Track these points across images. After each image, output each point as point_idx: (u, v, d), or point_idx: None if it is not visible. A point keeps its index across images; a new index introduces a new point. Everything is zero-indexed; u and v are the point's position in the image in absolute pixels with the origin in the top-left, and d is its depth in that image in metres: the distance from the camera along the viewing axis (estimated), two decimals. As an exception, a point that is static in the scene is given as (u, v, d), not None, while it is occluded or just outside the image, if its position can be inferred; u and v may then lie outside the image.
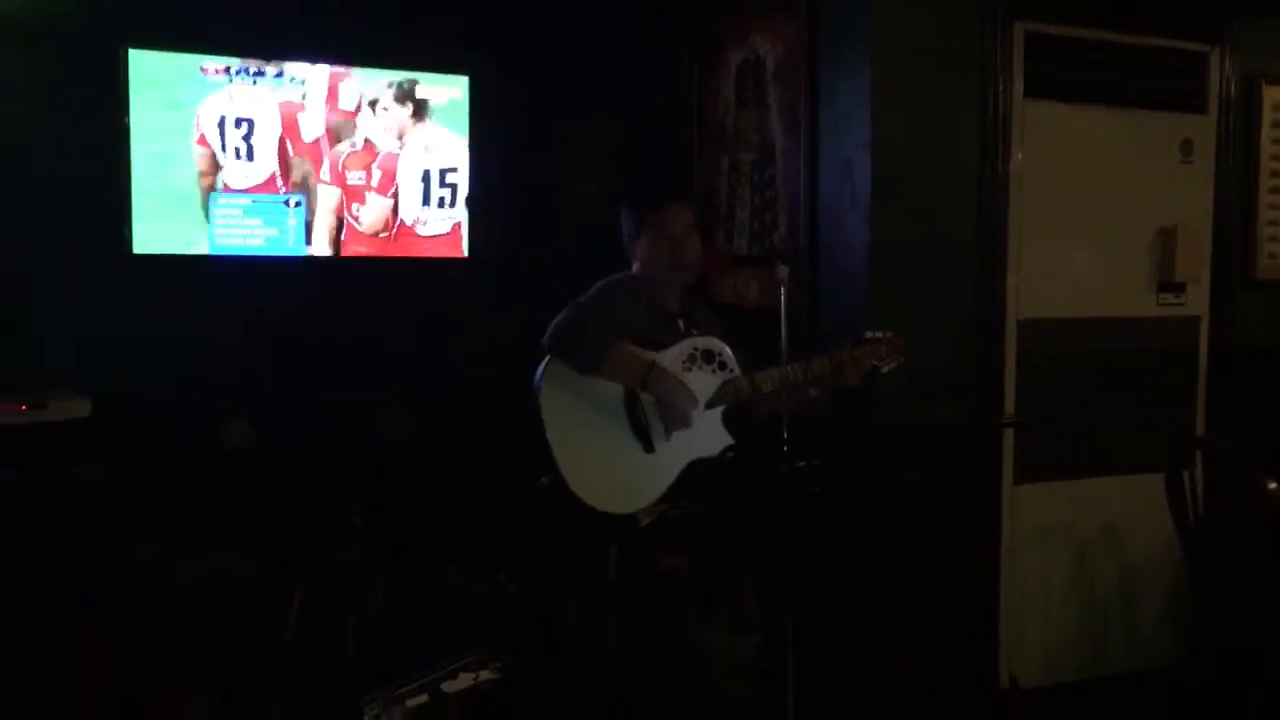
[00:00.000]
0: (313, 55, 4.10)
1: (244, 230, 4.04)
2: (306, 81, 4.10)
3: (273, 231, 4.08)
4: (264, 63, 4.02)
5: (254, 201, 4.05)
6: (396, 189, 4.30)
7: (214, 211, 4.00)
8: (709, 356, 3.09)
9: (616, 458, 2.95)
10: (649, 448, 2.98)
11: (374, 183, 4.26)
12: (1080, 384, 3.95)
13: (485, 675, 3.44)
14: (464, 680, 3.42)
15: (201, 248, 4.00)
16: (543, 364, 2.96)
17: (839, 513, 3.50)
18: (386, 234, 4.29)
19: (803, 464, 2.82)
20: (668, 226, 3.12)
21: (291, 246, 4.12)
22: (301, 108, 4.10)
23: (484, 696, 3.42)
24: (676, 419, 2.97)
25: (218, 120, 3.99)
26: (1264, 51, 4.26)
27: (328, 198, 4.19)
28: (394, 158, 4.28)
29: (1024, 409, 3.83)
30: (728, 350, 3.11)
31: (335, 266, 4.22)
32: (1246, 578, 3.62)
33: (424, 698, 3.37)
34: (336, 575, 3.37)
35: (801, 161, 3.82)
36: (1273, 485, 3.49)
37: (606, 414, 2.97)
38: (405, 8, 4.28)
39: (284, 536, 3.82)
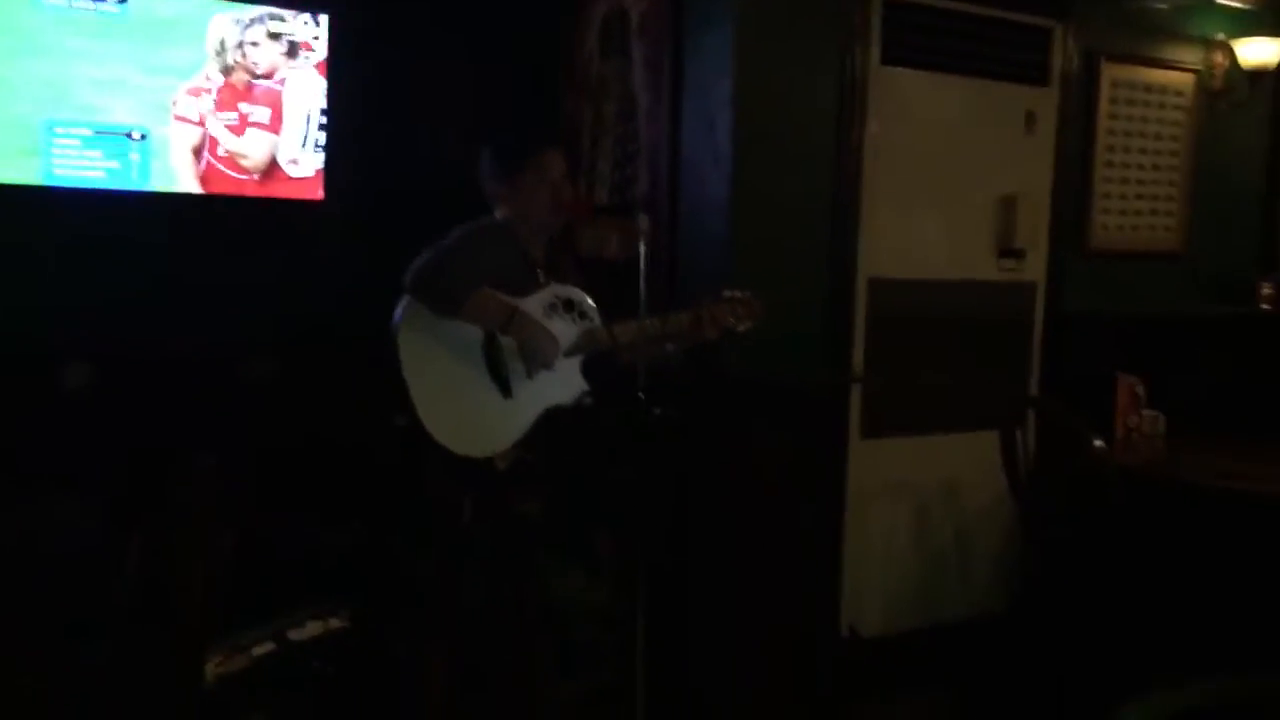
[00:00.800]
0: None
1: (83, 162, 3.85)
2: (154, 11, 3.92)
3: (114, 164, 3.90)
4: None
5: (95, 133, 3.86)
6: (283, 125, 4.18)
7: (52, 141, 3.80)
8: (569, 305, 3.10)
9: (474, 401, 2.94)
10: (507, 392, 2.98)
11: (261, 119, 4.12)
12: (925, 343, 4.09)
13: (335, 623, 3.42)
14: (312, 628, 3.40)
15: (37, 178, 3.80)
16: (401, 305, 2.92)
17: (693, 462, 3.56)
18: (259, 175, 4.16)
19: (657, 411, 2.86)
20: (548, 171, 3.12)
21: (135, 181, 3.94)
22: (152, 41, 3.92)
23: (333, 644, 3.40)
24: (538, 364, 2.97)
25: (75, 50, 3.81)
26: (1106, 29, 4.45)
27: (185, 134, 4.02)
28: (276, 94, 4.14)
29: (872, 366, 3.96)
30: (588, 300, 3.13)
31: (185, 204, 4.06)
32: (1072, 530, 3.83)
33: (270, 645, 3.33)
34: (180, 518, 3.27)
35: (664, 116, 3.84)
36: (1099, 443, 3.70)
37: (465, 357, 2.95)
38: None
39: (131, 479, 3.70)
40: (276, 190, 4.21)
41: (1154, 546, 3.88)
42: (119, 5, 3.86)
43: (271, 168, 4.20)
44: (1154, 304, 4.66)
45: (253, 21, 4.09)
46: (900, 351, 4.02)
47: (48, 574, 3.39)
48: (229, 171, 4.13)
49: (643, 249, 2.89)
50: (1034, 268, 4.35)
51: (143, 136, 3.95)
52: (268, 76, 4.15)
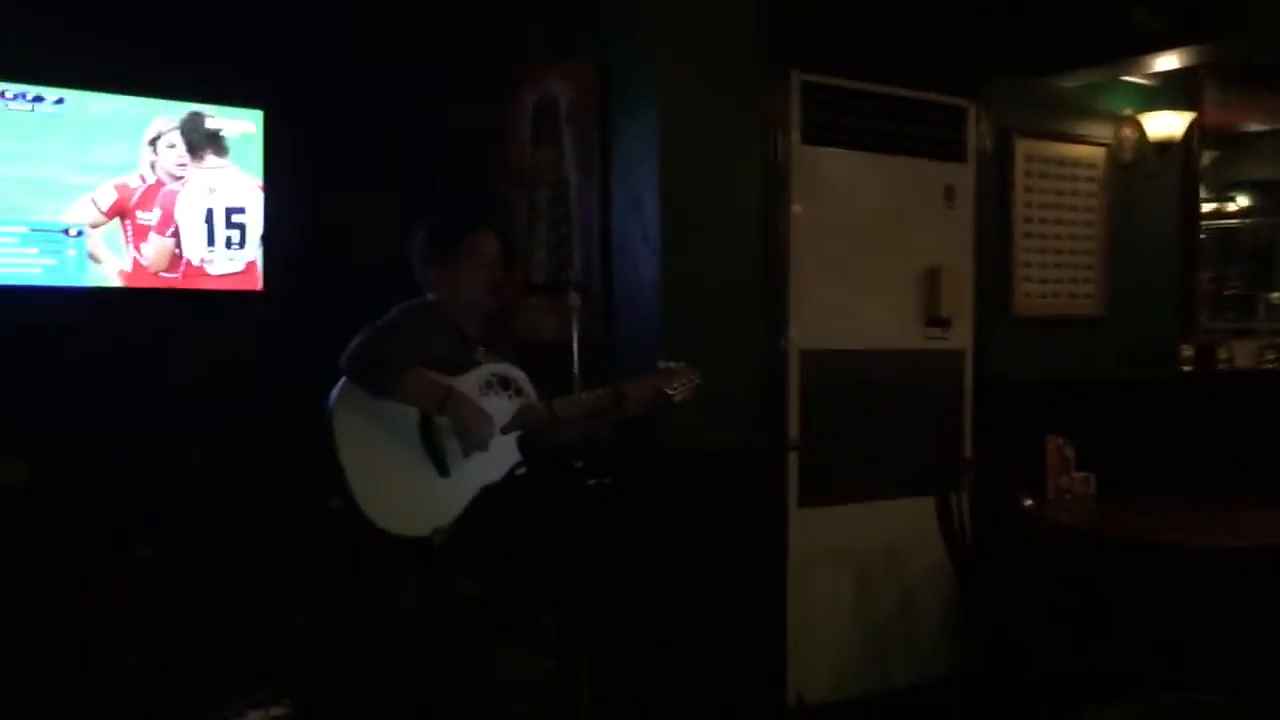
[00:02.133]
0: (98, 84, 3.99)
1: (21, 259, 3.88)
2: (89, 110, 3.99)
3: (50, 261, 3.93)
4: (42, 88, 3.89)
5: (31, 230, 3.90)
6: (176, 228, 4.21)
7: (-14, 240, 3.84)
8: (505, 383, 3.16)
9: (411, 481, 2.97)
10: (444, 471, 3.01)
11: (154, 221, 4.16)
12: (860, 411, 4.19)
13: (275, 711, 3.39)
14: (254, 717, 3.36)
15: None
16: (337, 387, 2.96)
17: (632, 533, 3.60)
18: (174, 273, 4.20)
19: (592, 482, 2.91)
20: (483, 254, 3.21)
21: (71, 276, 3.97)
22: (86, 140, 3.98)
23: (275, 734, 3.36)
24: (474, 443, 3.01)
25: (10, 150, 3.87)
26: (1017, 107, 4.67)
27: (111, 231, 4.07)
28: (173, 196, 4.19)
29: (808, 434, 4.04)
30: (523, 377, 3.19)
31: (120, 298, 4.09)
32: (1008, 589, 3.89)
33: (212, 736, 3.29)
34: (111, 613, 3.25)
35: (594, 197, 3.95)
36: (1028, 502, 3.79)
37: (401, 438, 2.98)
38: (197, 38, 4.21)
39: (64, 577, 3.67)
40: (208, 284, 4.26)
41: (1092, 601, 3.95)
42: (55, 105, 3.92)
43: (185, 267, 4.24)
44: (1079, 367, 4.81)
45: (174, 118, 4.17)
46: (835, 420, 4.11)
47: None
48: (153, 269, 4.18)
49: (575, 322, 2.96)
50: (961, 335, 4.48)
51: (79, 233, 3.98)
52: (178, 178, 4.21)
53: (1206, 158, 5.56)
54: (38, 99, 3.89)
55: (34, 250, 3.91)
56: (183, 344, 4.21)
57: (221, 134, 4.23)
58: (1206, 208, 5.81)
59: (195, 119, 4.18)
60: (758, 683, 3.90)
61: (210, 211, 4.27)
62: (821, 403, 4.07)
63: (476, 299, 3.21)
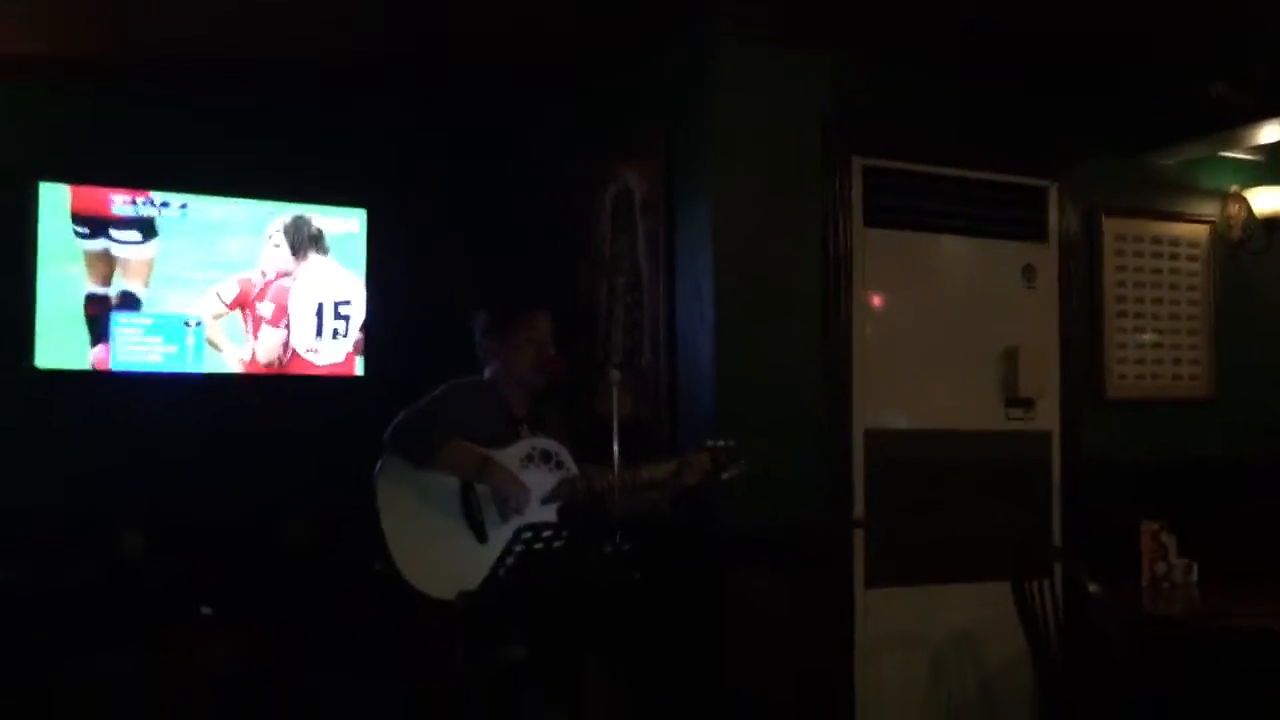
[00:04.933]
0: (216, 190, 4.43)
1: (144, 347, 4.30)
2: (209, 214, 4.43)
3: (171, 349, 4.34)
4: (168, 195, 4.34)
5: (154, 321, 4.32)
6: (288, 320, 4.58)
7: (115, 330, 4.26)
8: (546, 456, 3.32)
9: (449, 547, 3.15)
10: (482, 538, 3.18)
11: (267, 314, 4.54)
12: (931, 492, 4.14)
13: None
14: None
15: (103, 364, 4.25)
16: (381, 459, 3.18)
17: (674, 606, 3.66)
18: (284, 360, 4.56)
19: (626, 548, 3.00)
20: (537, 331, 3.41)
21: (190, 364, 4.37)
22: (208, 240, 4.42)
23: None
24: (510, 510, 3.17)
25: (128, 250, 4.31)
26: (1103, 186, 4.60)
27: (231, 321, 4.47)
28: (285, 291, 4.57)
29: (874, 515, 4.03)
30: (565, 451, 3.35)
31: (233, 383, 4.46)
32: (1091, 690, 3.74)
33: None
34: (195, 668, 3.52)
35: (661, 284, 4.11)
36: (1093, 588, 3.66)
37: (441, 506, 3.18)
38: (305, 144, 4.62)
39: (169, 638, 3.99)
40: (314, 370, 4.61)
41: (1196, 696, 3.77)
42: (180, 210, 4.37)
43: (291, 357, 4.59)
44: (1182, 450, 4.63)
45: (283, 219, 4.56)
46: (904, 500, 4.08)
47: None
48: (269, 357, 4.56)
49: (614, 398, 3.10)
50: (1046, 417, 4.40)
51: (197, 324, 4.39)
52: (285, 274, 4.59)
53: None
54: (164, 204, 4.34)
55: (157, 339, 4.33)
56: (289, 426, 4.54)
57: (323, 233, 4.60)
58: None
59: (299, 221, 4.57)
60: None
61: (321, 306, 4.64)
62: (889, 483, 4.06)
63: (525, 374, 3.40)
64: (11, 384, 4.20)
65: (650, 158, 4.23)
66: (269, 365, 4.53)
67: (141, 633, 3.96)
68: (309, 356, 4.61)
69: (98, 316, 4.27)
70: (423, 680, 3.38)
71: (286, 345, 4.57)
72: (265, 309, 4.53)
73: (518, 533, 2.82)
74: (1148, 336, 4.70)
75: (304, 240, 4.57)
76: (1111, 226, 4.62)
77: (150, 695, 3.87)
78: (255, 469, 4.43)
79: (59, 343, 4.20)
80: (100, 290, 4.27)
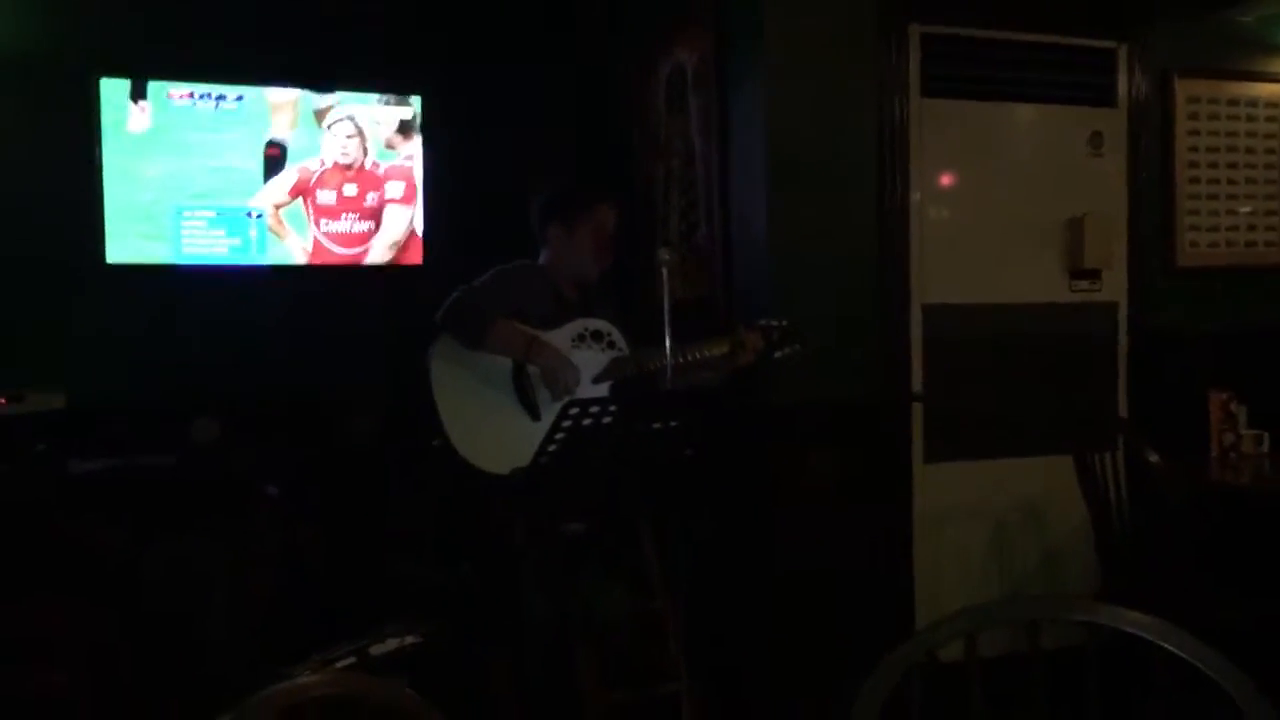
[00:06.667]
0: (274, 79, 4.46)
1: (209, 240, 4.38)
2: (266, 104, 4.46)
3: (235, 240, 4.42)
4: (224, 87, 4.37)
5: (218, 214, 4.40)
6: (349, 210, 4.63)
7: (180, 224, 4.35)
8: (598, 336, 3.35)
9: (503, 424, 3.21)
10: (535, 416, 3.23)
11: (330, 201, 4.59)
12: (991, 367, 4.10)
13: (410, 640, 3.70)
14: (391, 644, 3.69)
15: (168, 257, 4.35)
16: (435, 340, 3.23)
17: (726, 481, 3.70)
18: (348, 249, 4.62)
19: (674, 424, 3.02)
20: (603, 224, 3.43)
21: (254, 255, 4.45)
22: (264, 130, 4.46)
23: (409, 658, 3.69)
24: (560, 389, 3.21)
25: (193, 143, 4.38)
26: (1176, 46, 4.41)
27: (293, 210, 4.53)
28: (344, 180, 4.60)
29: (932, 390, 4.01)
30: (616, 330, 3.37)
31: (297, 273, 4.54)
32: (1154, 560, 3.72)
33: (352, 659, 3.64)
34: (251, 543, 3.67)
35: (715, 162, 4.07)
36: (1154, 458, 3.62)
37: (495, 386, 3.23)
38: (359, 33, 4.62)
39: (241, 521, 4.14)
40: (374, 258, 4.66)
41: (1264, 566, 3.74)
42: (236, 102, 4.40)
43: (352, 245, 4.64)
44: (1256, 319, 4.51)
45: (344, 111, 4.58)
46: (964, 375, 4.05)
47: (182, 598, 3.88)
48: (332, 246, 4.60)
49: (664, 277, 3.09)
50: (1113, 288, 4.30)
51: (259, 215, 4.46)
52: (348, 165, 4.62)
53: None
54: (220, 97, 4.38)
55: (220, 232, 4.41)
56: (352, 313, 4.63)
57: (384, 121, 4.61)
58: None
59: (354, 109, 4.58)
60: (884, 629, 3.90)
61: (379, 194, 4.67)
62: (948, 358, 4.03)
63: (583, 264, 3.41)
64: (84, 280, 4.31)
65: (701, 30, 4.15)
66: (331, 255, 4.59)
67: (216, 516, 4.11)
68: (371, 245, 4.66)
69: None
70: (485, 556, 3.47)
71: (348, 235, 4.62)
72: (326, 196, 4.57)
73: (565, 408, 2.84)
74: (1221, 204, 4.55)
75: (360, 128, 4.58)
76: (1185, 88, 4.45)
77: (227, 574, 4.05)
78: (319, 359, 4.53)
79: (127, 238, 4.29)
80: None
